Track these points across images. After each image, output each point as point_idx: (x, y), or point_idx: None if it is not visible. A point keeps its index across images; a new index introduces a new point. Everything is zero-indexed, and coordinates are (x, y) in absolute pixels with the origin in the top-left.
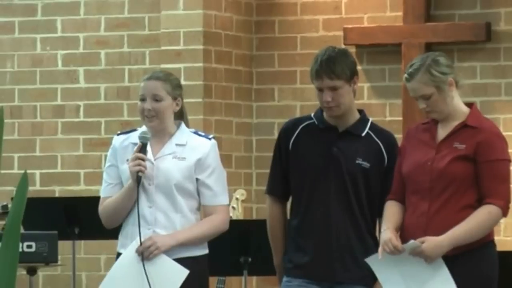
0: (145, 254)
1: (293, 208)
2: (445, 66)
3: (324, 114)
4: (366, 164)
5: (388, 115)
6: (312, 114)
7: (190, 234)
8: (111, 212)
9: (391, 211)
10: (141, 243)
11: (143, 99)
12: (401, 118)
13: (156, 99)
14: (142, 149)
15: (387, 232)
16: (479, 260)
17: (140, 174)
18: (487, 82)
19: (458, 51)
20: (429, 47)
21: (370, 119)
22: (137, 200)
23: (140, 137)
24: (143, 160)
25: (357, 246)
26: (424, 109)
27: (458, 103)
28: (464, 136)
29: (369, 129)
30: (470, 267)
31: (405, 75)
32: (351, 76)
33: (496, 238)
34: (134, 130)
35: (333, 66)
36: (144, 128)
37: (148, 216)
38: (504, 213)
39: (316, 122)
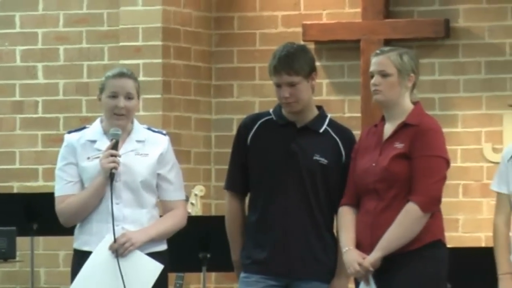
0: (120, 251)
1: (252, 204)
2: (415, 63)
3: (283, 110)
4: (324, 160)
5: (347, 111)
6: (271, 110)
7: (159, 229)
8: (77, 210)
9: (347, 223)
10: (115, 240)
11: (114, 96)
12: (359, 115)
13: (129, 97)
14: (114, 146)
15: (350, 253)
16: (422, 260)
17: (113, 170)
18: (446, 78)
19: (417, 48)
20: (388, 43)
21: (329, 116)
22: (111, 197)
23: (113, 134)
24: (116, 157)
25: (315, 242)
26: (374, 87)
27: (407, 104)
28: (403, 135)
29: (328, 125)
30: (413, 266)
31: (377, 51)
32: (310, 72)
33: (454, 234)
34: (84, 127)
35: (292, 62)
36: (97, 125)
37: (116, 212)
38: (424, 209)
39: (274, 118)
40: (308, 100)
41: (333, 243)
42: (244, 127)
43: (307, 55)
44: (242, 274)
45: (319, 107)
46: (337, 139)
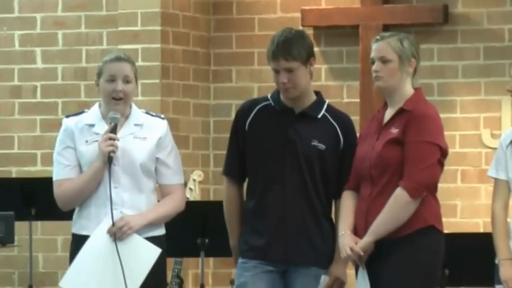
0: (118, 234)
1: (249, 190)
2: (416, 49)
3: (281, 95)
4: (321, 146)
5: (345, 97)
6: (269, 96)
7: (157, 213)
8: (75, 194)
9: (347, 208)
10: (113, 224)
11: (112, 80)
12: (358, 100)
13: (127, 80)
14: (113, 129)
15: (344, 237)
16: (413, 246)
17: (111, 154)
18: (445, 64)
19: (415, 33)
20: (386, 29)
21: (327, 101)
22: (109, 181)
23: (112, 118)
24: (114, 140)
25: (313, 228)
26: (375, 73)
27: (407, 89)
28: (399, 121)
29: (325, 111)
30: (403, 252)
31: (377, 37)
32: (308, 58)
33: (452, 220)
34: (83, 112)
35: (290, 47)
36: (95, 109)
37: (114, 196)
38: (412, 195)
39: (272, 104)
40: (306, 86)
41: (331, 229)
42: (242, 112)
43: (305, 40)
44: (240, 260)
45: (317, 93)
46: (335, 125)
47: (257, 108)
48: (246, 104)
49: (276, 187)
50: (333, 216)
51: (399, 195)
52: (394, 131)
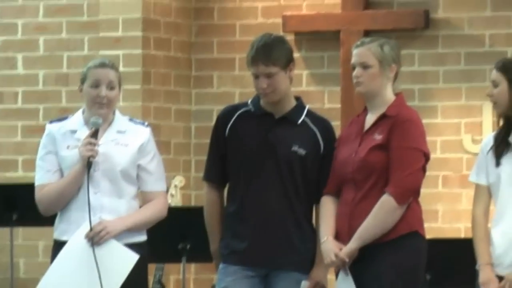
0: (96, 239)
1: (230, 195)
2: (397, 54)
3: (261, 100)
4: (302, 151)
5: (326, 102)
6: (249, 101)
7: (137, 219)
8: (55, 198)
9: (327, 213)
10: (91, 229)
11: (96, 86)
12: (339, 105)
13: (111, 86)
14: (94, 134)
15: (328, 243)
16: (398, 250)
17: (91, 159)
18: (426, 69)
19: (397, 39)
20: (367, 34)
21: (307, 106)
22: (87, 185)
23: (93, 123)
24: (94, 145)
25: (294, 232)
26: (356, 79)
27: (388, 94)
28: (382, 126)
29: (306, 116)
30: (388, 257)
31: (357, 42)
32: (287, 63)
33: (433, 225)
34: (66, 118)
35: (269, 52)
36: (78, 115)
37: (94, 202)
38: (399, 201)
39: (252, 109)
40: (285, 91)
41: (312, 233)
42: (222, 118)
43: (285, 45)
44: (221, 265)
45: (298, 98)
46: (315, 130)
47: (237, 113)
48: (226, 110)
49: (256, 191)
50: (313, 221)
51: (386, 201)
52: (378, 137)
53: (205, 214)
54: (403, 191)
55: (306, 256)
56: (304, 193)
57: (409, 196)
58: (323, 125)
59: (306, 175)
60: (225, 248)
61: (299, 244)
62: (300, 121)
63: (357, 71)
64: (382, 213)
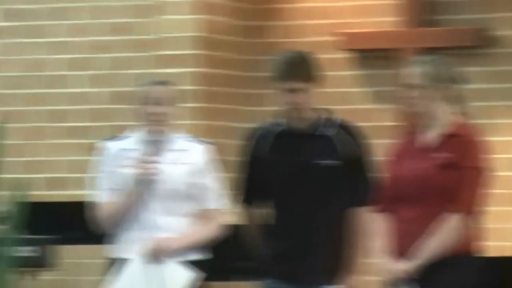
0: (152, 258)
1: (268, 214)
2: (452, 73)
3: (289, 117)
4: (335, 163)
5: (381, 119)
6: (277, 119)
7: (192, 238)
8: (112, 216)
9: (382, 231)
10: (148, 248)
11: (145, 103)
12: (394, 123)
13: (158, 102)
14: (153, 153)
15: (387, 261)
16: (455, 268)
17: (151, 177)
18: (484, 87)
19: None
20: (424, 52)
21: (336, 117)
22: (145, 204)
23: (151, 142)
24: (154, 163)
25: (334, 247)
26: (409, 99)
27: (446, 113)
28: (448, 145)
29: (335, 126)
30: (445, 275)
31: (411, 61)
32: (314, 78)
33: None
34: (123, 136)
35: (297, 68)
36: (135, 134)
37: (150, 220)
38: (464, 219)
39: (282, 127)
40: (313, 105)
41: (347, 246)
42: (252, 138)
43: (312, 61)
44: (263, 282)
45: (327, 110)
46: (346, 138)
47: (266, 132)
48: (255, 130)
49: (293, 209)
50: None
51: (453, 219)
52: (444, 155)
53: (245, 234)
54: (470, 210)
55: (342, 269)
56: (340, 206)
57: (475, 215)
58: (355, 134)
59: (341, 186)
60: (267, 265)
61: (339, 258)
62: (331, 133)
63: (409, 91)
64: (448, 231)
